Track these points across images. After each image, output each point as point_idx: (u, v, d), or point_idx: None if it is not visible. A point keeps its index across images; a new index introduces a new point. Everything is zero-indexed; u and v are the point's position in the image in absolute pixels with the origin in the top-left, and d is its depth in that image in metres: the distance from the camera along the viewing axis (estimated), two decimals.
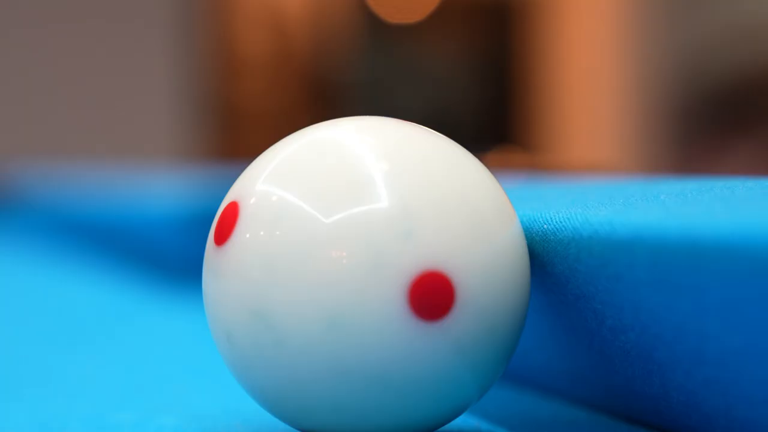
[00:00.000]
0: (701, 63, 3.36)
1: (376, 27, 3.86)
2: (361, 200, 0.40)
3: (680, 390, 0.41)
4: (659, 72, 3.49)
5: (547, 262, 0.45)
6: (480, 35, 3.98)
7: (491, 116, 3.99)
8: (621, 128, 3.58)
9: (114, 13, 3.18)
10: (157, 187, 1.44)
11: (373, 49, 3.88)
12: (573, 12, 3.72)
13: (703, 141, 3.33)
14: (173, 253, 1.06)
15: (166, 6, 3.22)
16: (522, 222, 0.45)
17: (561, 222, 0.44)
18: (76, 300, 1.04)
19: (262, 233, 0.41)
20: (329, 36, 3.74)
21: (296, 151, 0.42)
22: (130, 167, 2.33)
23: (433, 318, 0.40)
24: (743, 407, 0.38)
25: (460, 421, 0.47)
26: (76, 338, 0.81)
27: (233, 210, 0.42)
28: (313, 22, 3.73)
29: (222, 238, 0.42)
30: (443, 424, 0.43)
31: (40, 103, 3.13)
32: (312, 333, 0.40)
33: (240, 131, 3.59)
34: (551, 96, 3.74)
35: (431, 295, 0.40)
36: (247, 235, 0.41)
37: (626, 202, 0.46)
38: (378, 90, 3.90)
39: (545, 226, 0.45)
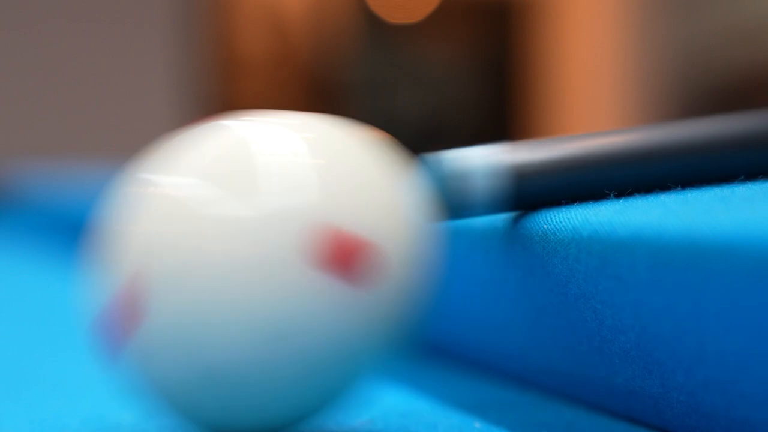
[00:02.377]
0: (701, 63, 3.36)
1: (376, 27, 3.87)
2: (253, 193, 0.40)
3: (680, 390, 0.41)
4: (659, 72, 3.49)
5: (547, 262, 0.45)
6: (480, 35, 3.98)
7: (491, 115, 3.99)
8: (621, 128, 3.58)
9: (114, 12, 3.18)
10: None
11: (373, 49, 3.88)
12: (573, 11, 3.72)
13: None
14: None
15: (166, 6, 3.22)
16: (522, 222, 0.45)
17: (561, 222, 0.44)
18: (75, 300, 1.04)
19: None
20: (329, 36, 3.74)
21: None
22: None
23: (337, 273, 0.39)
24: (743, 407, 0.38)
25: (459, 421, 0.47)
26: (76, 338, 0.81)
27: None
28: (313, 22, 3.73)
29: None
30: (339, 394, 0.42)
31: (40, 103, 3.13)
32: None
33: None
34: (551, 95, 3.74)
35: (335, 250, 0.39)
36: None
37: (626, 202, 0.46)
38: (378, 90, 3.90)
39: (545, 226, 0.45)
